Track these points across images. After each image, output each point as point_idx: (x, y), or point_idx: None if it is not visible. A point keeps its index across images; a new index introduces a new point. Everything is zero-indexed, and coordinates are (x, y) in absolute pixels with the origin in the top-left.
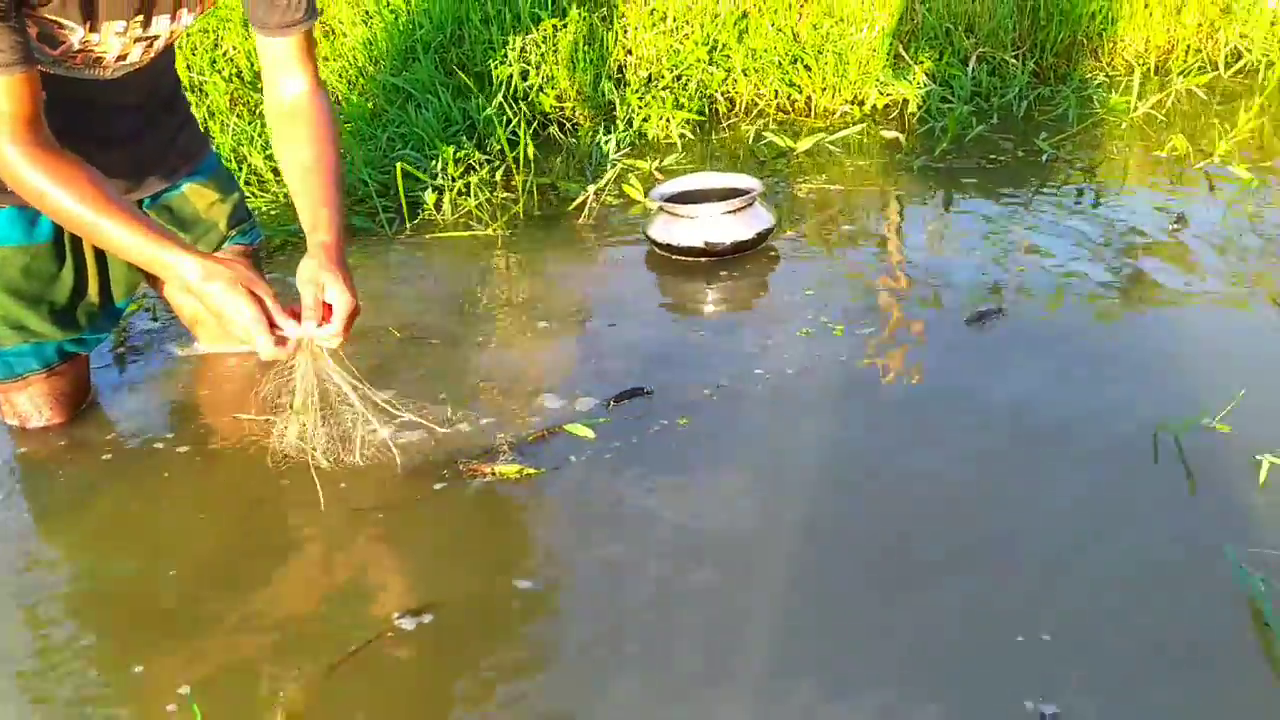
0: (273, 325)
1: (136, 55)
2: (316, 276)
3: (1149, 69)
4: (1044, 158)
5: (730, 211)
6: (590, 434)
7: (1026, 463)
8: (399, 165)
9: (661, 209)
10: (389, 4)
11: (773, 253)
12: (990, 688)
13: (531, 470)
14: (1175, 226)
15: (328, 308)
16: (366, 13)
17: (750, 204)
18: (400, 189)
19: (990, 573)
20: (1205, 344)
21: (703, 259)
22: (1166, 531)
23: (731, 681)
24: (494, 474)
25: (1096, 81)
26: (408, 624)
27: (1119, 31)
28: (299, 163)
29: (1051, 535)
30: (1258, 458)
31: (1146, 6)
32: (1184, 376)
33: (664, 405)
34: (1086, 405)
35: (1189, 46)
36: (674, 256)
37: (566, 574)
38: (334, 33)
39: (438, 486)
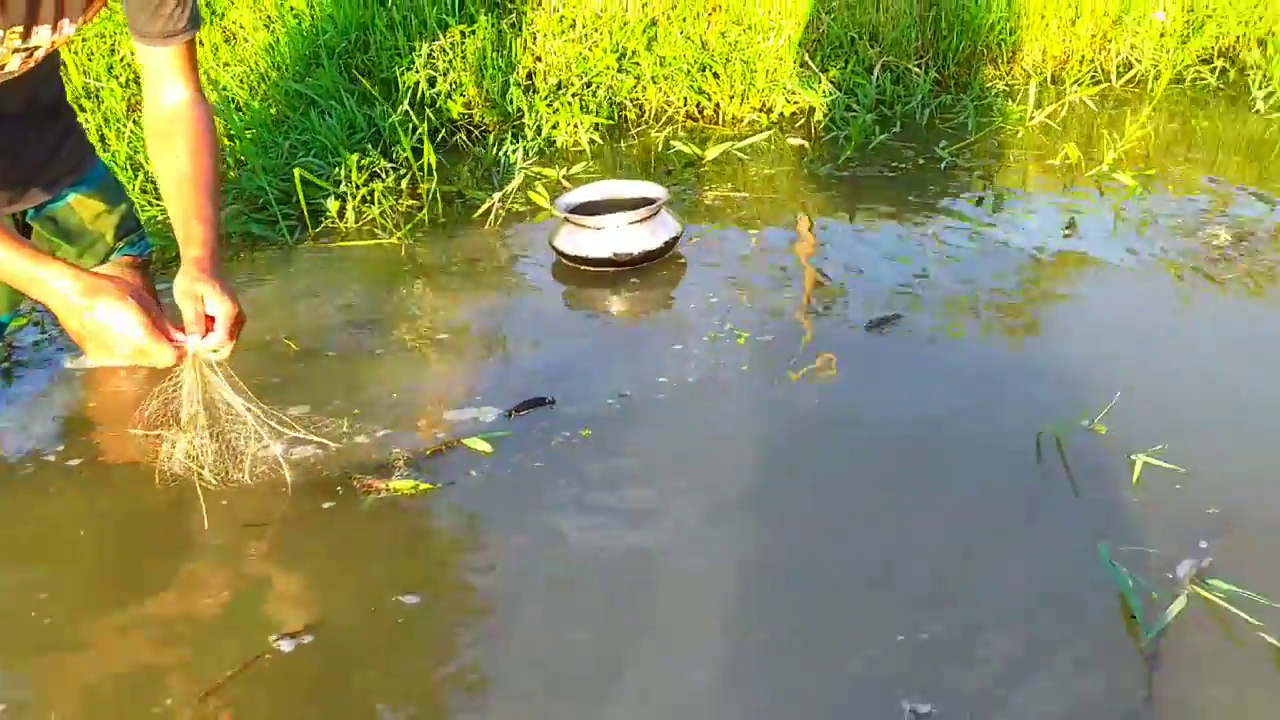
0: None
1: (15, 65)
2: (192, 290)
3: (1046, 79)
4: (943, 165)
5: (637, 221)
6: (488, 448)
7: (916, 467)
8: (298, 172)
9: (567, 220)
10: (292, 9)
11: (680, 260)
12: (869, 687)
13: (426, 485)
14: (1067, 232)
15: (211, 320)
16: (269, 17)
17: (656, 213)
18: (301, 196)
19: (876, 573)
20: (1090, 345)
21: (610, 268)
22: (1046, 531)
23: (621, 698)
24: (388, 490)
25: (996, 91)
26: (286, 646)
27: (1017, 42)
28: (174, 174)
29: (936, 537)
30: (1132, 457)
31: (1043, 18)
32: (1069, 378)
33: (567, 416)
34: (976, 409)
35: (1083, 57)
36: (582, 267)
37: (455, 592)
38: (235, 38)
39: (329, 504)
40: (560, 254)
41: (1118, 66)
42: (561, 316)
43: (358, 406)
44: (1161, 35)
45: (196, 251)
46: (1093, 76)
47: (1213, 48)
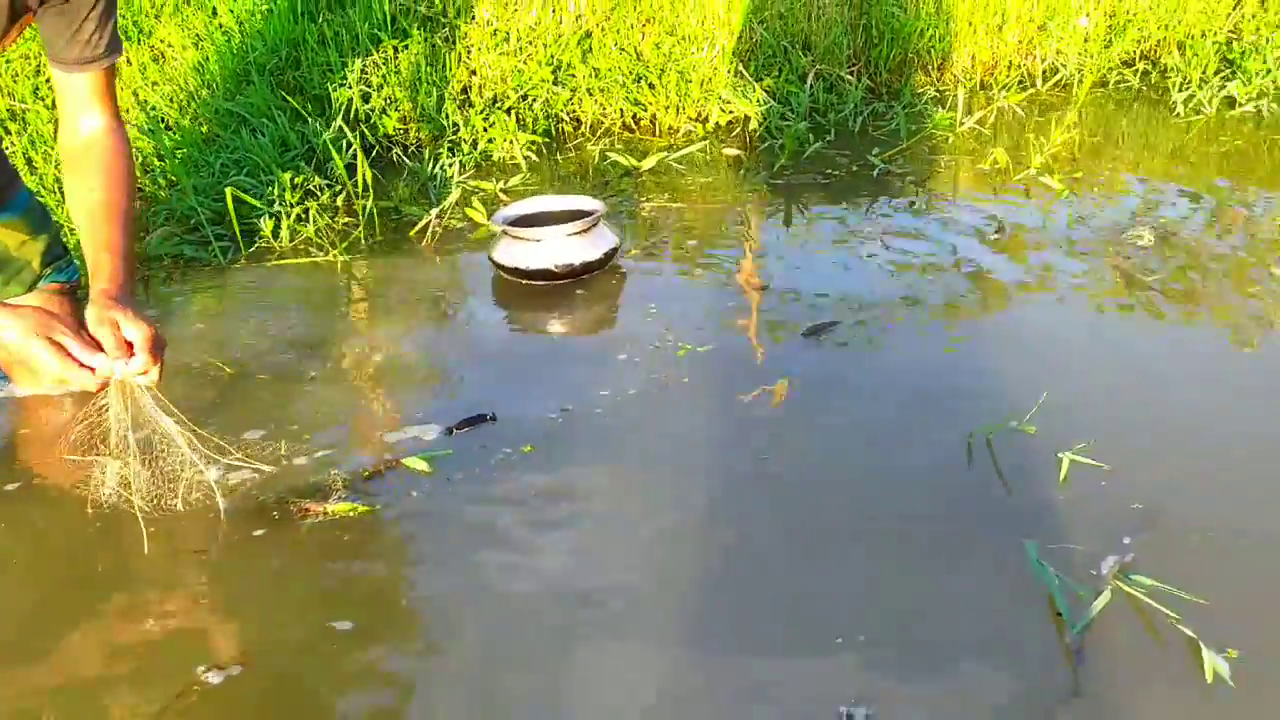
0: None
1: None
2: (106, 317)
3: (975, 85)
4: (876, 172)
5: (576, 233)
6: (426, 468)
7: (853, 471)
8: (229, 191)
9: (505, 233)
10: (221, 26)
11: (620, 272)
12: (807, 691)
13: (364, 508)
14: (997, 235)
15: (131, 345)
16: (198, 35)
17: (595, 225)
18: (233, 216)
19: (813, 578)
20: (1020, 347)
21: (550, 282)
22: (976, 531)
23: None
24: (325, 513)
25: (927, 97)
26: (214, 678)
27: (946, 49)
28: (87, 204)
29: (871, 542)
30: (1059, 455)
31: (971, 25)
32: (1000, 380)
33: (509, 432)
34: (910, 411)
35: (1011, 63)
36: (523, 281)
37: (392, 618)
38: (163, 57)
39: (264, 529)
40: (500, 267)
41: (1044, 71)
42: (502, 331)
43: (294, 429)
44: (1085, 40)
45: (104, 284)
46: (1020, 82)
47: (1135, 51)
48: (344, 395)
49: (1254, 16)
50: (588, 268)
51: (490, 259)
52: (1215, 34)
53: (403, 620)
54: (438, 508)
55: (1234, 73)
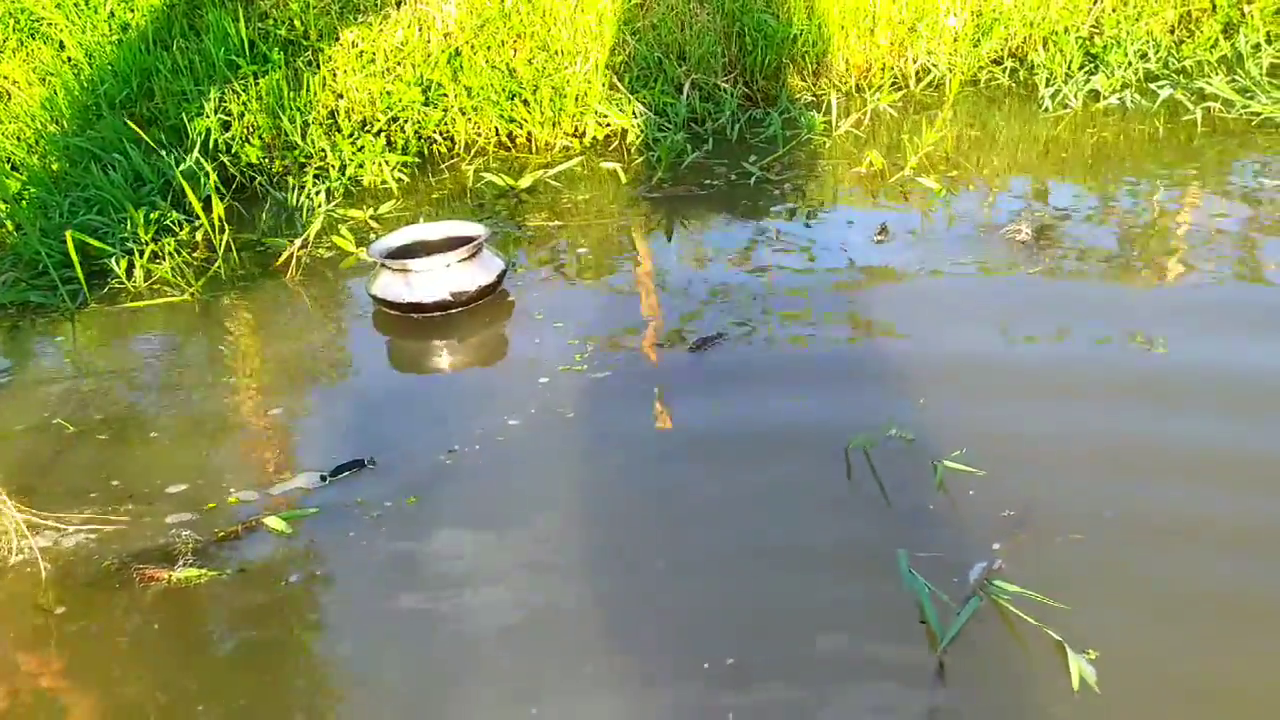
0: None
1: None
2: None
3: (851, 88)
4: (753, 180)
5: (466, 259)
6: (286, 528)
7: (736, 488)
8: (70, 234)
9: (386, 266)
10: (70, 59)
11: (508, 299)
12: (689, 710)
13: (212, 573)
14: (880, 237)
15: None
16: (46, 71)
17: (479, 249)
18: (75, 259)
19: (687, 600)
20: (902, 351)
21: (443, 312)
22: (853, 540)
23: None
24: (171, 580)
25: (804, 102)
26: None
27: (820, 54)
28: None
29: (754, 561)
30: (934, 463)
31: (843, 29)
32: (881, 385)
33: (392, 480)
34: (789, 421)
35: (884, 65)
36: (415, 315)
37: (236, 703)
38: (8, 95)
39: (102, 599)
40: (385, 304)
41: (916, 72)
42: (381, 366)
43: (142, 489)
44: (955, 40)
45: None
46: (894, 83)
47: (1003, 49)
48: (198, 449)
49: (1114, 10)
50: (483, 292)
51: (371, 295)
52: (1078, 29)
53: (251, 709)
54: (299, 574)
55: (1097, 67)
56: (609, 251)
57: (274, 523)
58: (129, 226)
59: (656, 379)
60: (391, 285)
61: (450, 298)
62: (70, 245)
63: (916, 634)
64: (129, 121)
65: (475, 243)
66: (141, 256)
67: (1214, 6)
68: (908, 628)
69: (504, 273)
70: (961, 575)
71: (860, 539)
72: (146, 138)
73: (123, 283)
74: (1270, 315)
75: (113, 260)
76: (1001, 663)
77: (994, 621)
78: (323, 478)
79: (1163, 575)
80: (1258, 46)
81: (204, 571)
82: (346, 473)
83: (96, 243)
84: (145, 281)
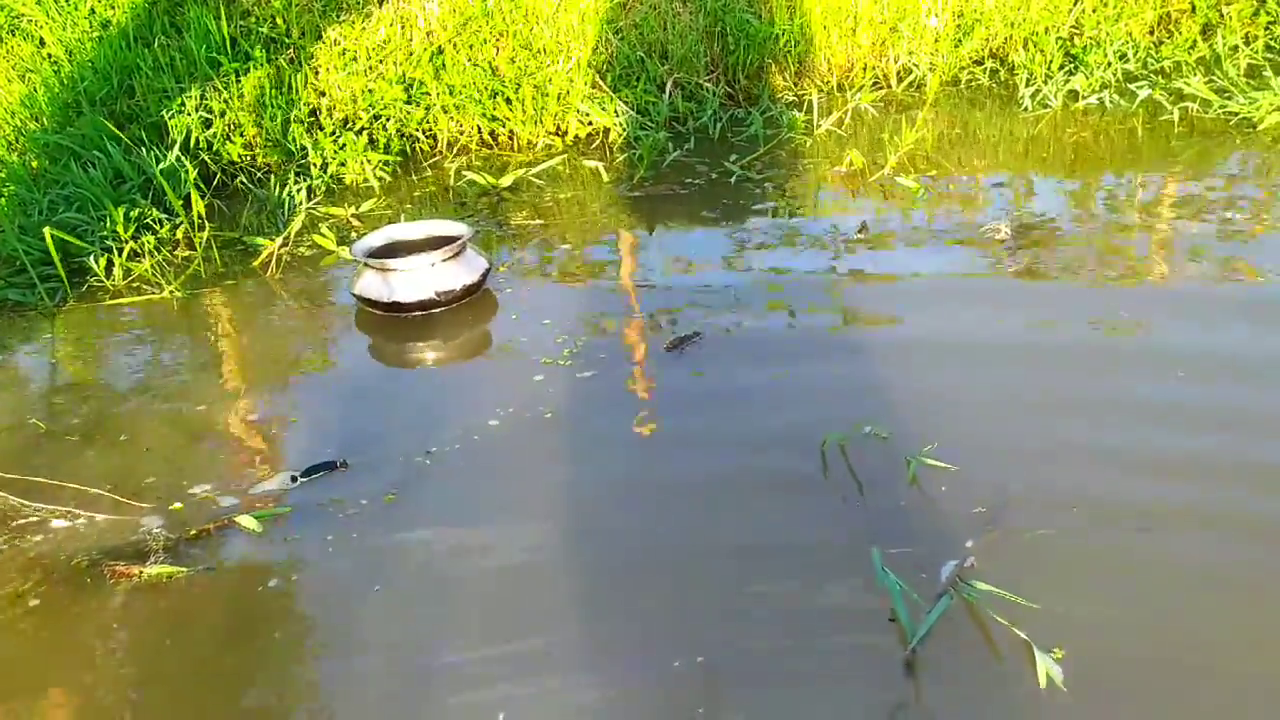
0: None
1: None
2: None
3: (832, 87)
4: (734, 179)
5: (451, 257)
6: (257, 527)
7: (706, 484)
8: (48, 231)
9: (370, 266)
10: (50, 56)
11: (490, 297)
12: (658, 707)
13: (182, 571)
14: (860, 236)
15: None
16: (26, 67)
17: (464, 248)
18: (55, 256)
19: (658, 598)
20: (879, 347)
21: (426, 311)
22: (827, 537)
23: None
24: (141, 577)
25: (786, 102)
26: None
27: (802, 53)
28: None
29: (731, 558)
30: (908, 459)
31: (825, 29)
32: (858, 382)
33: (369, 480)
34: (766, 419)
35: (865, 65)
36: (401, 315)
37: (206, 702)
38: None
39: (73, 594)
40: (369, 303)
41: (897, 72)
42: (362, 366)
43: (120, 486)
44: (936, 40)
45: None
46: (875, 83)
47: (984, 50)
48: (173, 446)
49: (1094, 11)
50: (468, 291)
51: (355, 295)
52: (1058, 30)
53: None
54: (269, 571)
55: (1076, 67)
56: (591, 250)
57: (246, 521)
58: (109, 224)
59: (634, 378)
60: (374, 285)
61: (435, 297)
62: (50, 243)
63: (887, 632)
64: (112, 118)
65: (459, 241)
66: (121, 254)
67: (1193, 8)
68: (879, 625)
69: (488, 272)
70: (932, 571)
71: (834, 536)
72: (125, 137)
73: (102, 281)
74: (1250, 311)
75: (91, 258)
76: (971, 660)
77: (964, 619)
78: (294, 478)
79: (1132, 569)
80: (1235, 48)
81: (175, 569)
82: (319, 474)
83: (76, 240)
84: (125, 279)
